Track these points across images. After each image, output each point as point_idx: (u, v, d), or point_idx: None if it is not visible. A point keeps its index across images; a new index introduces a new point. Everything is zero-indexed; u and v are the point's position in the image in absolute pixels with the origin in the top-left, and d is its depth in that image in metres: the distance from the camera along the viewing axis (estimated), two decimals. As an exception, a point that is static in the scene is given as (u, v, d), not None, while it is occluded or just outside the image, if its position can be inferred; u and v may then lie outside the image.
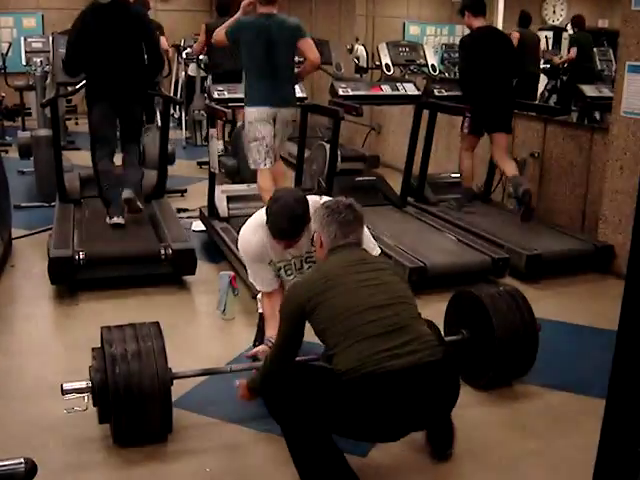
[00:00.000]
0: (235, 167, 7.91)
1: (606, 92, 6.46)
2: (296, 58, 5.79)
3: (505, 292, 3.85)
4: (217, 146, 6.05)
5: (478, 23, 6.30)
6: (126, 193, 5.50)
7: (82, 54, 5.55)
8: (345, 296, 2.80)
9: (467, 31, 6.53)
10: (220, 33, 5.58)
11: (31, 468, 1.54)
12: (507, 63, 6.37)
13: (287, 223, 3.23)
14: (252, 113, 5.52)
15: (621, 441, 1.49)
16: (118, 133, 6.06)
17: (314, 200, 3.41)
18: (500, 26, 8.67)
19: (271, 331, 3.42)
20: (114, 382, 3.03)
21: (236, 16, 5.61)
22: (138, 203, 5.59)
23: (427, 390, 2.72)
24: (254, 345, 3.89)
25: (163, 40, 8.77)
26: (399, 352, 2.67)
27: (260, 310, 3.83)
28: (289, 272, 3.55)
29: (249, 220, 3.60)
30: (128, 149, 5.96)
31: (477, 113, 6.34)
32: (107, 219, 5.66)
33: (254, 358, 3.47)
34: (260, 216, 3.45)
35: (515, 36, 8.05)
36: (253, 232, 3.49)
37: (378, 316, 2.74)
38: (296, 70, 5.82)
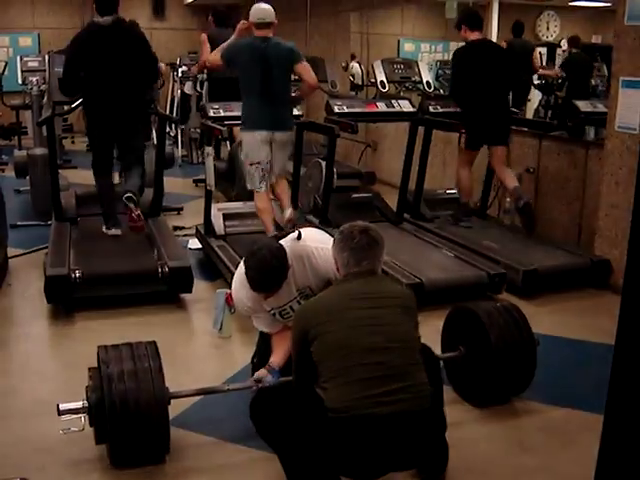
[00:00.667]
0: (230, 184, 7.91)
1: (600, 107, 6.48)
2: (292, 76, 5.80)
3: (502, 308, 3.85)
4: (212, 165, 6.05)
5: (474, 37, 6.33)
6: (127, 194, 5.48)
7: (79, 74, 5.55)
8: (342, 333, 2.77)
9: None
10: (215, 56, 5.60)
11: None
12: (501, 75, 6.38)
13: (262, 277, 3.18)
14: (248, 137, 5.53)
15: (620, 456, 1.48)
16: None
17: (311, 236, 3.42)
18: (494, 39, 8.68)
19: (275, 358, 3.41)
20: (111, 402, 3.01)
21: (231, 39, 5.63)
22: (139, 211, 5.52)
23: (407, 438, 2.73)
24: (252, 362, 3.87)
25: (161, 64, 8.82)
26: (386, 400, 2.66)
27: (259, 328, 3.75)
28: (286, 316, 3.49)
29: (236, 274, 3.52)
30: (129, 173, 5.94)
31: (473, 127, 6.36)
32: (104, 229, 5.71)
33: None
34: (242, 273, 3.40)
35: (502, 45, 8.06)
36: (241, 288, 3.40)
37: (372, 360, 2.71)
38: (293, 94, 5.84)
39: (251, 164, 5.53)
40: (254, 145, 5.50)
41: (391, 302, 2.90)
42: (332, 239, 3.09)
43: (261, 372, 3.36)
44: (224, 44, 5.62)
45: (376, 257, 2.95)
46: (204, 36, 8.73)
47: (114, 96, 5.58)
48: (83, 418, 3.09)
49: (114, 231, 5.70)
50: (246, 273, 3.23)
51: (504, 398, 3.82)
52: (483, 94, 6.30)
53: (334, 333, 2.78)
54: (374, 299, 2.88)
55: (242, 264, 3.37)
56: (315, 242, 3.40)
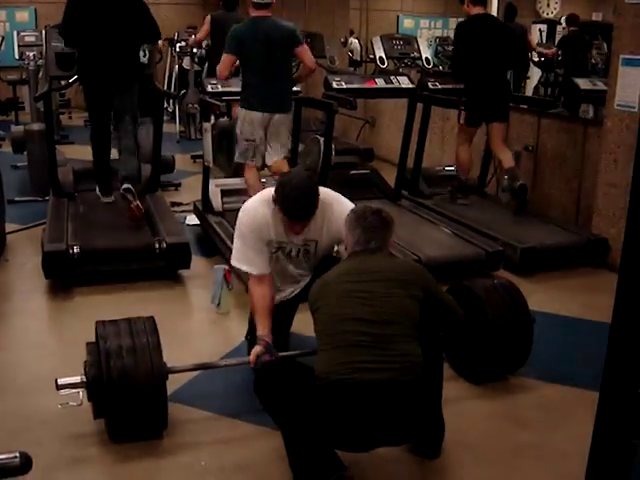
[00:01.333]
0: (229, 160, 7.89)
1: (600, 85, 6.46)
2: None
3: (499, 285, 3.86)
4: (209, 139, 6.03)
5: (476, 11, 6.27)
6: (125, 185, 5.49)
7: (77, 29, 5.54)
8: (333, 304, 2.87)
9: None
10: (221, 67, 5.46)
11: (26, 462, 1.53)
12: (502, 51, 6.32)
13: (306, 201, 3.22)
14: (245, 115, 5.51)
15: (615, 432, 1.49)
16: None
17: (329, 191, 3.46)
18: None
19: (261, 328, 3.34)
20: (109, 377, 3.03)
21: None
22: (138, 202, 5.52)
23: (391, 408, 2.72)
24: (246, 339, 3.88)
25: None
26: (370, 367, 2.70)
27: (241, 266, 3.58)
28: (283, 256, 3.51)
29: (253, 198, 3.55)
30: (123, 131, 5.90)
31: (473, 103, 6.33)
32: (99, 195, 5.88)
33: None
34: (267, 194, 3.40)
35: None
36: (259, 207, 3.41)
37: (358, 329, 2.76)
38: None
39: (246, 140, 5.53)
40: (250, 125, 5.49)
41: (386, 276, 2.94)
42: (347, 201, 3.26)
43: (257, 349, 3.31)
44: (223, 57, 5.47)
45: (385, 238, 3.05)
46: (209, 17, 8.74)
47: (110, 53, 5.55)
48: (81, 393, 3.10)
49: (106, 199, 5.74)
50: (283, 199, 3.23)
51: (500, 375, 3.84)
52: (484, 69, 6.26)
53: (326, 305, 2.90)
54: (369, 273, 2.94)
55: (263, 191, 3.52)
56: (333, 197, 3.44)
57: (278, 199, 3.25)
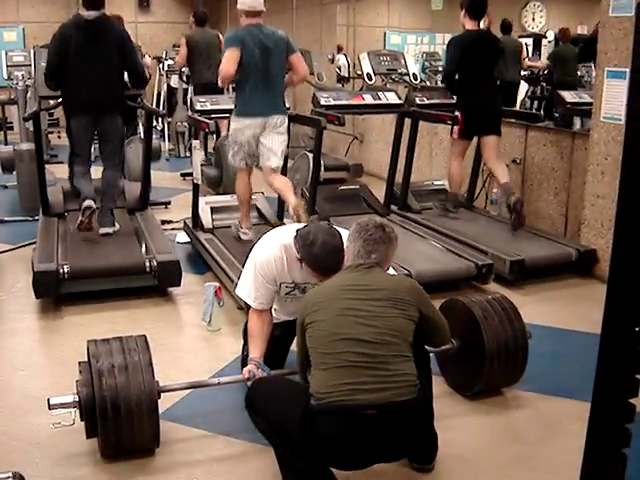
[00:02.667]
0: (218, 177, 7.92)
1: (586, 98, 6.51)
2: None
3: (494, 300, 3.85)
4: (200, 157, 6.05)
5: (470, 26, 6.30)
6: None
7: (62, 66, 5.54)
8: (329, 322, 2.82)
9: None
10: (227, 64, 5.34)
11: (19, 482, 1.53)
12: (495, 66, 6.38)
13: (337, 258, 3.14)
14: (239, 124, 5.52)
15: (605, 442, 1.50)
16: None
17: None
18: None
19: (255, 352, 3.38)
20: (101, 396, 3.02)
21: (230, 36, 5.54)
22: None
23: (389, 429, 2.71)
24: (242, 354, 3.87)
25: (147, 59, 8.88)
26: (367, 388, 2.67)
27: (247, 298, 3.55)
28: (302, 289, 3.48)
29: (270, 236, 3.48)
30: (107, 164, 5.91)
31: (469, 116, 6.34)
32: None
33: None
34: (285, 236, 3.36)
35: None
36: (277, 251, 3.36)
37: (354, 349, 2.72)
38: None
39: (238, 144, 5.55)
40: (242, 131, 5.51)
41: (380, 294, 2.89)
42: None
43: (250, 367, 3.34)
44: (226, 54, 5.39)
45: (386, 254, 3.01)
46: (183, 39, 8.93)
47: (93, 87, 5.55)
48: (73, 412, 3.09)
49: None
50: (314, 259, 3.17)
51: (495, 389, 3.85)
52: (478, 83, 6.30)
53: (322, 322, 2.83)
54: (365, 291, 2.89)
55: (279, 232, 3.50)
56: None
57: (306, 258, 3.19)
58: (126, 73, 5.82)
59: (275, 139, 5.59)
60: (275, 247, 3.37)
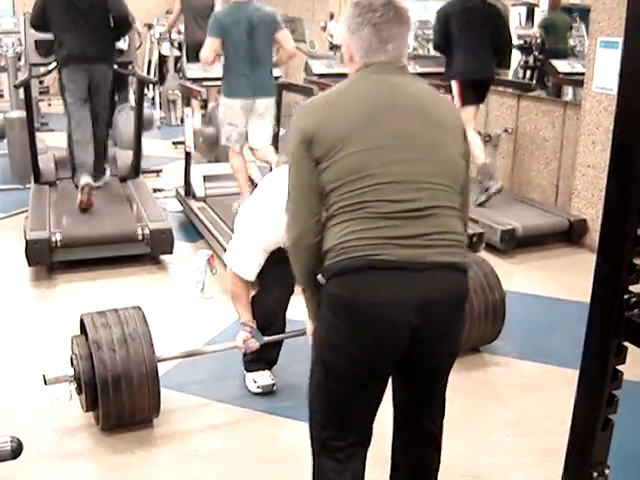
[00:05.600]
0: (214, 136, 7.83)
1: (579, 67, 6.50)
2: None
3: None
4: (194, 121, 6.02)
5: None
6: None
7: (47, 18, 5.60)
8: (366, 155, 2.06)
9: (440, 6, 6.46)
10: (206, 52, 5.36)
11: (17, 447, 1.55)
12: (488, 34, 6.13)
13: None
14: (228, 102, 5.51)
15: (594, 409, 1.53)
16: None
17: None
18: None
19: (246, 315, 3.37)
20: (101, 370, 3.01)
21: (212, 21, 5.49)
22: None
23: (429, 298, 2.05)
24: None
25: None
26: (407, 243, 2.01)
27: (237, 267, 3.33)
28: None
29: (268, 199, 3.10)
30: (96, 120, 5.88)
31: (464, 84, 6.12)
32: (75, 180, 5.78)
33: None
34: (279, 197, 2.85)
35: None
36: (280, 214, 3.09)
37: (399, 196, 2.03)
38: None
39: (229, 124, 5.54)
40: (232, 111, 5.50)
41: (430, 115, 2.17)
42: None
43: (243, 335, 3.37)
44: (206, 41, 5.40)
45: (404, 40, 2.20)
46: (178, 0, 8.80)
47: (82, 36, 5.57)
48: (70, 386, 3.10)
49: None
50: None
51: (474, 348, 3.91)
52: (471, 50, 6.11)
53: (353, 155, 2.06)
54: (420, 109, 2.17)
55: (275, 197, 2.89)
56: None
57: None
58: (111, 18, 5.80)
59: (262, 122, 5.60)
60: (277, 217, 2.85)
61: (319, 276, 2.17)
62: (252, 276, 3.28)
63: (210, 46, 5.36)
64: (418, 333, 2.05)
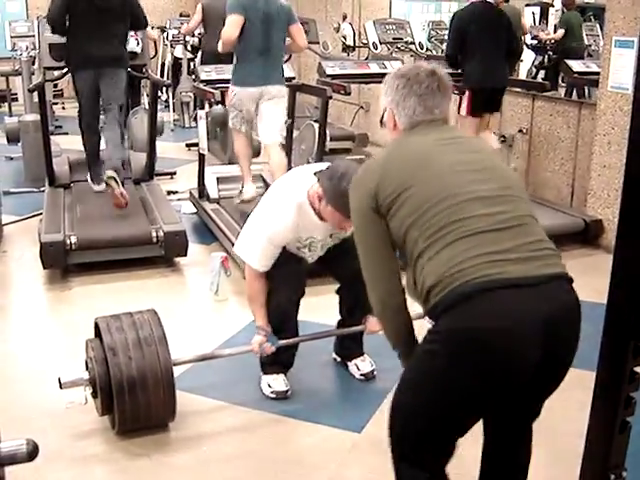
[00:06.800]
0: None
1: (593, 67, 6.46)
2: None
3: None
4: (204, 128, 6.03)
5: None
6: (109, 172, 5.46)
7: (64, 17, 5.59)
8: (438, 181, 2.06)
9: (454, 6, 6.46)
10: (230, 29, 5.29)
11: (33, 449, 1.55)
12: (502, 40, 6.17)
13: None
14: (237, 92, 5.51)
15: (611, 411, 1.52)
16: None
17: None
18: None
19: (261, 319, 3.38)
20: (117, 373, 3.00)
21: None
22: (122, 189, 5.45)
23: (552, 314, 1.97)
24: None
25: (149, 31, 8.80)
26: (513, 257, 1.95)
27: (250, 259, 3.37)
28: (313, 249, 3.41)
29: (282, 194, 3.27)
30: (109, 121, 5.86)
31: (475, 93, 6.15)
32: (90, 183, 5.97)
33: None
34: (298, 193, 3.20)
35: None
36: (291, 212, 3.19)
37: (487, 210, 2.00)
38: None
39: (236, 109, 5.56)
40: (239, 100, 5.51)
41: (474, 147, 2.27)
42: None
43: (259, 339, 3.37)
44: (228, 19, 5.32)
45: (447, 105, 2.28)
46: (200, 6, 8.70)
47: (96, 38, 5.58)
48: (86, 390, 3.10)
49: (97, 187, 5.88)
50: (339, 197, 2.84)
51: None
52: (484, 58, 6.10)
53: (425, 185, 2.06)
54: (465, 144, 2.25)
55: (289, 190, 3.23)
56: None
57: (333, 195, 2.97)
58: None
59: (272, 109, 5.55)
60: (291, 210, 3.20)
61: (426, 319, 2.08)
62: (259, 266, 3.29)
63: (233, 23, 5.28)
64: (546, 355, 1.99)
